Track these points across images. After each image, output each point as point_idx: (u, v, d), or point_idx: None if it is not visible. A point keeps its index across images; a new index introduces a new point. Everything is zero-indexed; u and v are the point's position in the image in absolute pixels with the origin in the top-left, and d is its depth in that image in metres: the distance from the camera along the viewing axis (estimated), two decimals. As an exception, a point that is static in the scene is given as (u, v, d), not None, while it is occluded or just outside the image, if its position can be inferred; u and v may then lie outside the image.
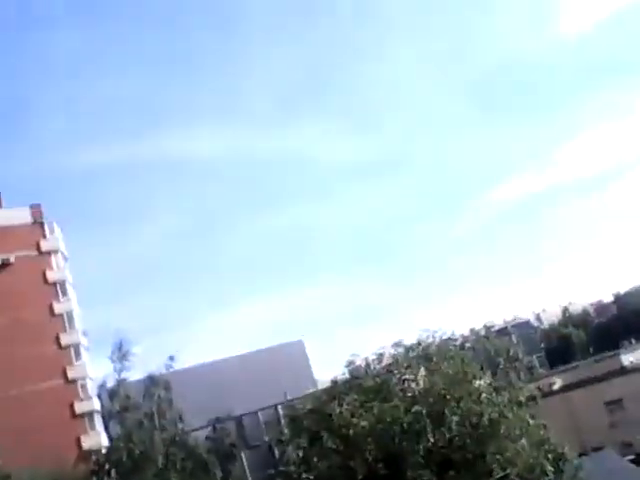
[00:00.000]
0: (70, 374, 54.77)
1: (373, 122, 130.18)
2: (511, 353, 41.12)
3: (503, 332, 58.08)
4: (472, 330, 51.72)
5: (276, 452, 23.55)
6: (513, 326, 63.07)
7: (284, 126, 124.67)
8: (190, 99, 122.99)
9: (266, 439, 36.44)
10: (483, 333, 50.45)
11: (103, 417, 45.56)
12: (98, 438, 48.96)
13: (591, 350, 74.14)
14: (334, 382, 22.60)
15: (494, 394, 19.74)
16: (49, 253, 58.75)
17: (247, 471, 33.01)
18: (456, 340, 27.72)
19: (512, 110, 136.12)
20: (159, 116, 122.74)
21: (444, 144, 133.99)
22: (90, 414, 53.53)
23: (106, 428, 44.39)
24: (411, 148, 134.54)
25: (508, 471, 17.59)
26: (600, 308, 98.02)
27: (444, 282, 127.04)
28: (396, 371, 21.92)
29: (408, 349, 22.62)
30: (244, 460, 33.56)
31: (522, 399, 20.27)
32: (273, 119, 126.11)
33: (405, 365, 21.80)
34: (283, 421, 30.27)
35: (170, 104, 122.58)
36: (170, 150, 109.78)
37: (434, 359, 21.62)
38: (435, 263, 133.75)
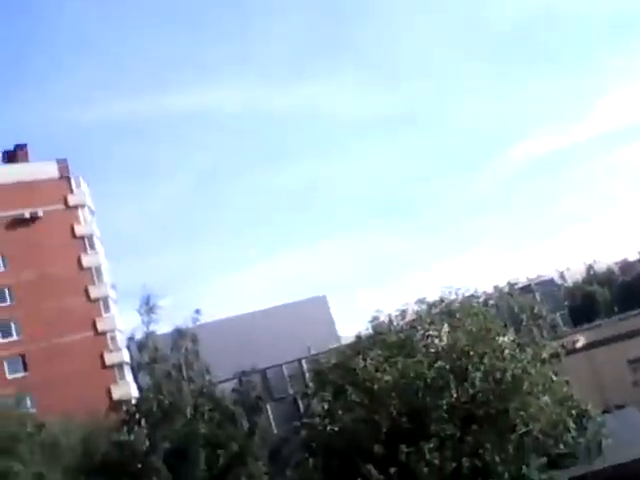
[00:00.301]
0: (100, 326, 56.16)
1: (390, 77, 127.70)
2: (535, 311, 40.98)
3: (526, 290, 57.75)
4: (495, 287, 51.59)
5: (301, 405, 24.05)
6: (537, 284, 62.53)
7: (298, 80, 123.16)
8: (202, 53, 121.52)
9: (291, 392, 37.32)
10: (506, 291, 50.31)
11: (132, 368, 46.82)
12: (128, 388, 50.54)
13: (615, 309, 73.58)
14: (358, 337, 22.85)
15: (517, 351, 19.82)
16: (76, 207, 59.44)
17: (272, 423, 33.93)
18: (479, 297, 27.72)
19: (535, 68, 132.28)
20: (168, 71, 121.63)
21: (464, 101, 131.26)
22: (120, 365, 55.10)
23: (135, 379, 45.64)
24: (429, 104, 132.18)
25: (531, 427, 17.78)
26: (625, 266, 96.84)
27: (465, 239, 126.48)
28: (419, 327, 22.08)
29: (431, 306, 22.75)
30: (269, 412, 34.47)
31: (545, 356, 20.34)
32: (287, 73, 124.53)
33: (428, 321, 21.93)
34: (307, 375, 30.83)
35: (179, 58, 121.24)
36: (179, 106, 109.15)
37: (457, 315, 21.72)
38: (456, 220, 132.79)
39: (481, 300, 29.85)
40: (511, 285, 52.30)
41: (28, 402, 42.45)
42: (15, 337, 54.01)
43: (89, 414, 33.79)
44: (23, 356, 52.97)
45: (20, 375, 51.55)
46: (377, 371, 19.62)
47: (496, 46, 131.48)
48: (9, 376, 51.40)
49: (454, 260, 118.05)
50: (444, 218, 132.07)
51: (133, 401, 29.18)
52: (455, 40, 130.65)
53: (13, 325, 54.34)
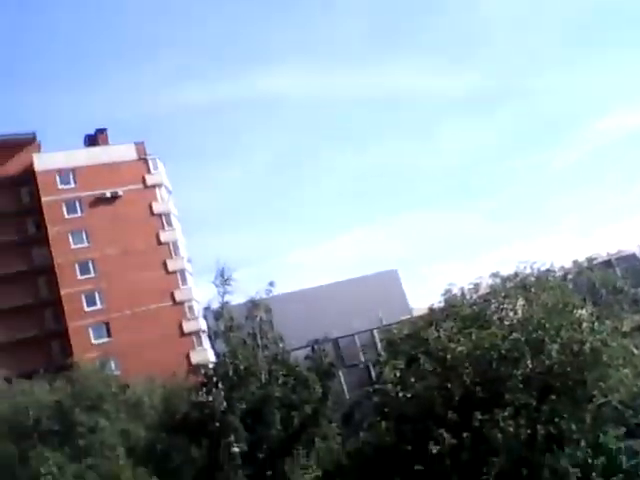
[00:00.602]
0: (177, 297, 58.74)
1: (468, 58, 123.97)
2: (616, 285, 39.54)
3: (607, 265, 55.73)
4: (575, 262, 50.06)
5: (373, 372, 24.37)
6: (617, 259, 59.89)
7: (377, 62, 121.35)
8: (281, 34, 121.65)
9: (362, 360, 37.87)
10: (585, 266, 48.74)
11: (209, 336, 48.66)
12: (205, 354, 52.67)
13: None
14: (431, 310, 22.88)
15: (596, 323, 19.37)
16: (154, 187, 62.17)
17: (345, 388, 34.62)
18: (555, 272, 27.09)
19: (623, 40, 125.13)
20: (246, 54, 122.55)
21: (545, 77, 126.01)
22: (197, 333, 57.57)
23: (212, 346, 47.45)
24: (509, 82, 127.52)
25: (609, 398, 17.44)
26: None
27: (545, 217, 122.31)
28: (494, 300, 21.88)
29: (505, 280, 22.48)
30: (342, 378, 35.16)
31: (626, 329, 19.80)
32: (367, 56, 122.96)
33: (503, 295, 21.70)
34: (379, 345, 31.15)
35: (258, 40, 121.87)
36: (263, 88, 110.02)
37: (532, 289, 21.40)
38: (536, 198, 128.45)
39: (558, 275, 29.14)
40: (590, 260, 50.62)
41: (112, 365, 44.98)
42: (99, 306, 57.14)
43: (170, 376, 35.54)
44: (107, 323, 56.01)
45: (104, 341, 54.64)
46: (450, 342, 19.60)
47: (579, 20, 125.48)
48: (94, 341, 54.62)
49: (533, 238, 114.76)
50: (524, 196, 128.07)
51: (211, 366, 30.35)
52: (538, 14, 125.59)
53: (97, 295, 57.49)
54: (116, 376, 39.54)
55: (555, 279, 24.73)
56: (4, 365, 49.07)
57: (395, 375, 20.68)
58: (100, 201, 59.69)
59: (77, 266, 57.90)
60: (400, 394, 19.76)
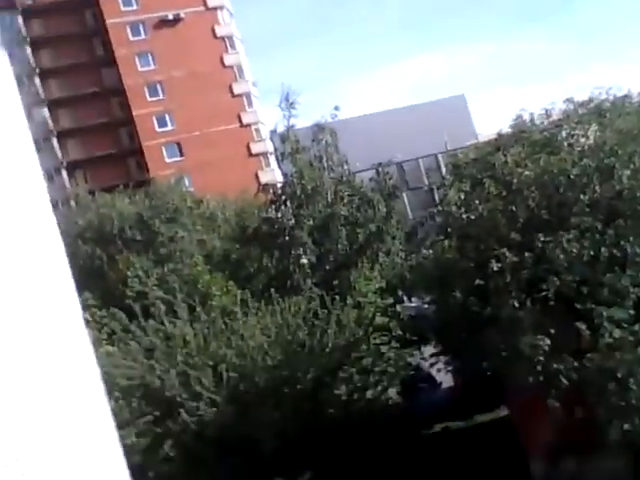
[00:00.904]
0: (244, 119, 59.62)
1: None
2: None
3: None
4: (657, 88, 46.91)
5: (436, 195, 24.75)
6: None
7: None
8: None
9: (426, 183, 38.30)
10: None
11: (276, 158, 49.91)
12: (273, 175, 54.52)
13: None
14: (499, 135, 22.48)
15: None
16: (215, 9, 60.37)
17: (408, 209, 35.63)
18: (632, 99, 25.73)
19: None
20: None
21: None
22: (264, 154, 59.21)
23: (279, 167, 48.78)
24: None
25: (679, 221, 17.38)
26: None
27: (625, 40, 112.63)
28: (565, 126, 21.26)
29: (579, 105, 21.63)
30: (406, 200, 36.01)
31: None
32: None
33: (575, 121, 21.02)
34: (444, 169, 31.26)
35: None
36: None
37: (607, 115, 20.61)
38: (619, 20, 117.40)
39: (636, 101, 27.77)
40: (673, 86, 47.29)
41: (186, 182, 47.35)
42: (170, 127, 58.76)
43: (240, 193, 37.35)
44: (178, 143, 57.98)
45: (177, 159, 57.03)
46: (517, 166, 19.49)
47: None
48: (168, 160, 57.10)
49: (612, 63, 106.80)
50: (605, 19, 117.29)
51: (279, 185, 31.46)
52: None
53: (167, 116, 58.87)
54: (190, 192, 41.71)
55: (632, 105, 23.59)
56: (86, 180, 52.41)
57: (459, 197, 20.91)
58: (163, 23, 59.00)
59: (146, 88, 58.77)
60: (464, 215, 20.14)
